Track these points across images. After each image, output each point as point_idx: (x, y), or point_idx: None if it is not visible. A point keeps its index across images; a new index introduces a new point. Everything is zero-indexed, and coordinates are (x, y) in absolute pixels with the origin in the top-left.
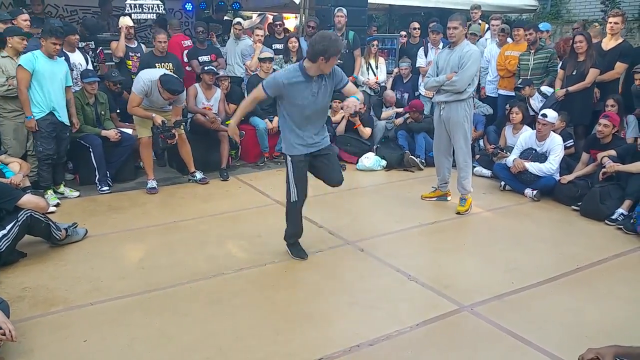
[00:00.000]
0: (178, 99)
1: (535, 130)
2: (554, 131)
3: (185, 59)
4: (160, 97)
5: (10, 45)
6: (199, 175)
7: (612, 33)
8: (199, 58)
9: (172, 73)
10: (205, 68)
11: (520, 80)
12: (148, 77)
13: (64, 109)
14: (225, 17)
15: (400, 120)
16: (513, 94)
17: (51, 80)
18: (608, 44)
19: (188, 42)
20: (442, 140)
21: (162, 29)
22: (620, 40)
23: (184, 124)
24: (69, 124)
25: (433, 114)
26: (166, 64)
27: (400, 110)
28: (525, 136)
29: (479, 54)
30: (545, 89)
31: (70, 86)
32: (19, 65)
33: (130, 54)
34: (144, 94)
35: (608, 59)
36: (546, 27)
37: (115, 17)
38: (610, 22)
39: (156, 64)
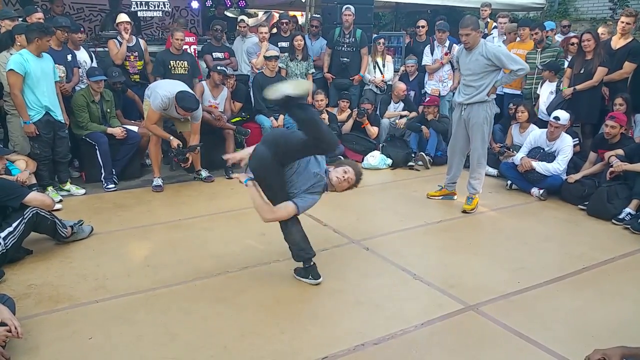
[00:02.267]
0: (194, 116)
1: (545, 130)
2: None
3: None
4: (175, 112)
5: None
6: (204, 173)
7: (623, 33)
8: (213, 54)
9: (185, 72)
10: (217, 68)
11: (547, 62)
12: (165, 93)
13: (58, 107)
14: (231, 15)
15: (403, 120)
16: (519, 92)
17: (43, 79)
18: (617, 42)
19: (187, 39)
20: (459, 139)
21: (180, 27)
22: (629, 39)
23: (198, 148)
24: (64, 121)
25: (452, 114)
26: (181, 62)
27: (406, 113)
28: (535, 135)
29: (498, 47)
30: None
31: (58, 81)
32: (10, 69)
33: (128, 53)
34: (161, 110)
35: (617, 58)
36: (550, 25)
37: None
38: (623, 22)
39: (171, 61)
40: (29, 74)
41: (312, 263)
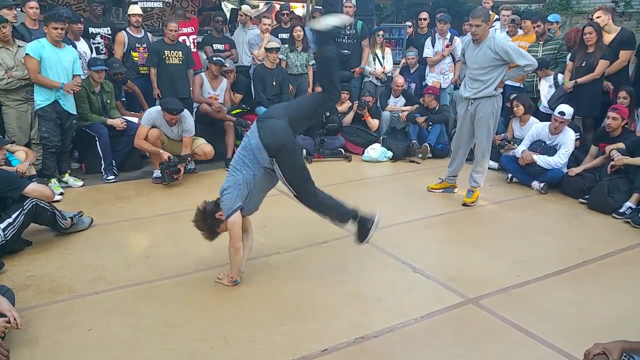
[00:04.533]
0: (185, 128)
1: (548, 123)
2: None
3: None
4: (169, 128)
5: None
6: (189, 165)
7: (602, 25)
8: (213, 45)
9: (180, 62)
10: (214, 59)
11: (541, 58)
12: (155, 108)
13: (70, 98)
14: (232, 7)
15: (406, 113)
16: (520, 85)
17: (57, 68)
18: (607, 37)
19: (184, 29)
20: (464, 133)
21: (175, 18)
22: (618, 30)
23: (189, 158)
24: (74, 113)
25: (452, 105)
26: (176, 51)
27: (408, 108)
28: (538, 128)
29: (506, 41)
30: (561, 77)
31: (79, 75)
32: (26, 54)
33: (137, 44)
34: (150, 124)
35: (614, 51)
36: (555, 18)
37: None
38: (596, 18)
39: (165, 51)
40: (43, 59)
41: (358, 214)
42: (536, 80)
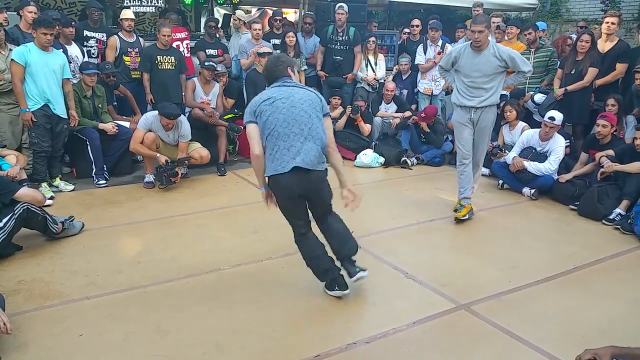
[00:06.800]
0: (182, 133)
1: (538, 130)
2: None
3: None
4: (165, 133)
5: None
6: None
7: (608, 33)
8: (206, 51)
9: (172, 67)
10: (206, 64)
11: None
12: (152, 113)
13: (60, 102)
14: (225, 12)
15: (397, 120)
16: (506, 92)
17: (45, 72)
18: (605, 45)
19: (177, 35)
20: (469, 145)
21: (168, 23)
22: (616, 41)
23: (186, 162)
24: (65, 117)
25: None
26: (168, 57)
27: (399, 115)
28: (528, 134)
29: (510, 48)
30: (538, 97)
31: (69, 78)
32: (12, 59)
33: (129, 49)
34: (146, 129)
35: (607, 60)
36: (542, 26)
37: (119, 9)
38: (607, 22)
39: (158, 56)
40: (30, 64)
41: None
42: (527, 87)
